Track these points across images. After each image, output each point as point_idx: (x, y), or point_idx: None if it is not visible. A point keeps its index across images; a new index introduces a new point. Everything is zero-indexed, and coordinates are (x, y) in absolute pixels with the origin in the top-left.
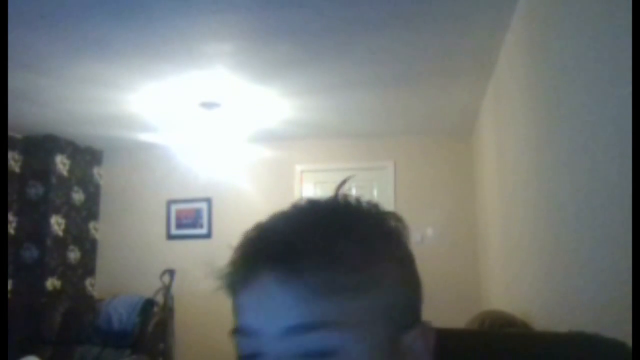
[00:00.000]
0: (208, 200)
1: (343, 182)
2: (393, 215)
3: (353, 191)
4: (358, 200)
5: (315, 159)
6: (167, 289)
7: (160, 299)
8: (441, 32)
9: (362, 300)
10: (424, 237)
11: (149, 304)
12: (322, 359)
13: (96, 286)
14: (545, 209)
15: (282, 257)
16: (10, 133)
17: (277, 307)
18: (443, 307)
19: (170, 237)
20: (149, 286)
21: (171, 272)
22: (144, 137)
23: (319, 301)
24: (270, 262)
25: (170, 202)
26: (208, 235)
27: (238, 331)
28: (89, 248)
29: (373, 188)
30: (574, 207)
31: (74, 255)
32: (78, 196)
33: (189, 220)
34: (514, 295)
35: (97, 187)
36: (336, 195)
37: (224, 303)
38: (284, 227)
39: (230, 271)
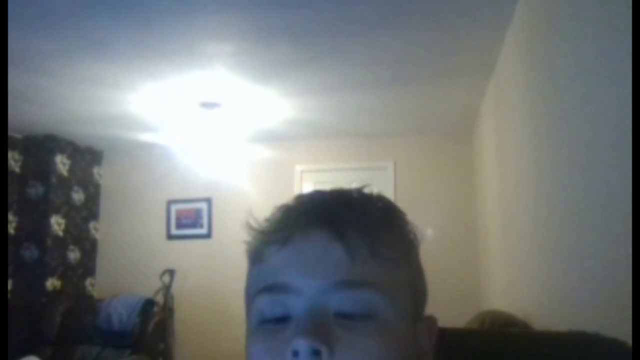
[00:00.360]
0: (208, 200)
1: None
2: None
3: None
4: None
5: (315, 159)
6: (167, 289)
7: (160, 299)
8: (441, 32)
9: (399, 273)
10: (424, 236)
11: (149, 304)
12: (362, 320)
13: (96, 286)
14: (545, 209)
15: (338, 218)
16: (10, 133)
17: (324, 265)
18: (443, 307)
19: (170, 237)
20: (149, 286)
21: (171, 272)
22: (144, 137)
23: (367, 262)
24: (325, 222)
25: (170, 202)
26: (208, 235)
27: (269, 289)
28: (89, 248)
29: (373, 188)
30: (574, 206)
31: (74, 255)
32: (78, 196)
33: (189, 220)
34: (514, 295)
35: (97, 187)
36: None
37: (224, 303)
38: (330, 197)
39: (270, 228)
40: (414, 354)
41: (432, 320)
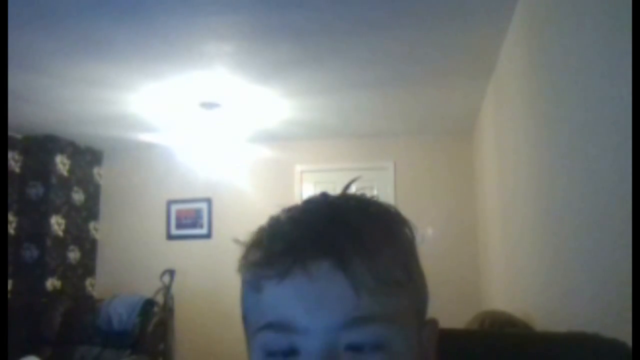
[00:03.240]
0: (208, 201)
1: (350, 183)
2: (405, 217)
3: (353, 191)
4: (377, 200)
5: (315, 159)
6: (167, 289)
7: (160, 299)
8: (441, 32)
9: (402, 295)
10: (424, 237)
11: (149, 304)
12: (373, 353)
13: (96, 286)
14: (545, 209)
15: (339, 248)
16: (10, 133)
17: (329, 302)
18: (443, 307)
19: (170, 237)
20: (149, 286)
21: (171, 272)
22: (144, 137)
23: (373, 293)
24: (323, 250)
25: (170, 202)
26: (208, 236)
27: (272, 327)
28: (89, 248)
29: (373, 188)
30: (574, 206)
31: (74, 255)
32: (78, 196)
33: (189, 221)
34: (514, 295)
35: (97, 187)
36: (350, 193)
37: (224, 303)
38: (328, 219)
39: (265, 262)
40: None
41: (434, 324)
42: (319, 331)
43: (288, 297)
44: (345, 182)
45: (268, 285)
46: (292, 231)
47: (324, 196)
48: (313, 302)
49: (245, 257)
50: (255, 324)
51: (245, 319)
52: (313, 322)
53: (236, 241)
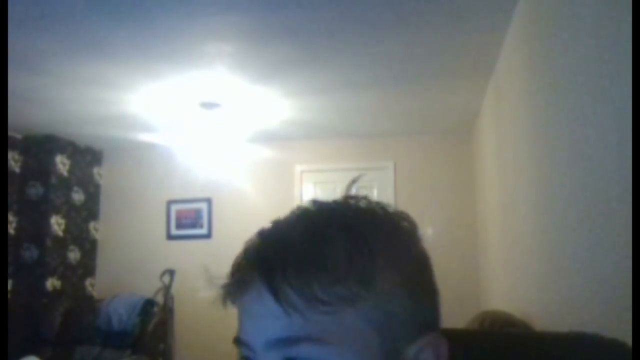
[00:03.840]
0: (208, 201)
1: (352, 182)
2: (403, 216)
3: (353, 191)
4: (365, 201)
5: (315, 159)
6: (167, 289)
7: (160, 299)
8: (441, 32)
9: (351, 311)
10: (424, 236)
11: (149, 304)
12: None
13: (96, 286)
14: (545, 209)
15: (268, 268)
16: (10, 133)
17: (262, 319)
18: (443, 307)
19: (170, 237)
20: (149, 286)
21: (171, 272)
22: (144, 137)
23: (303, 313)
24: (258, 274)
25: (170, 202)
26: (208, 236)
27: (237, 343)
28: (89, 248)
29: (373, 188)
30: (574, 206)
31: (74, 255)
32: (78, 196)
33: (189, 221)
34: (514, 295)
35: (97, 187)
36: (345, 196)
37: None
38: (277, 236)
39: (227, 282)
40: None
41: (435, 335)
42: (258, 347)
43: (241, 314)
44: (346, 181)
45: (232, 299)
46: (250, 250)
47: (301, 209)
48: (253, 321)
49: (213, 280)
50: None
51: None
52: (252, 339)
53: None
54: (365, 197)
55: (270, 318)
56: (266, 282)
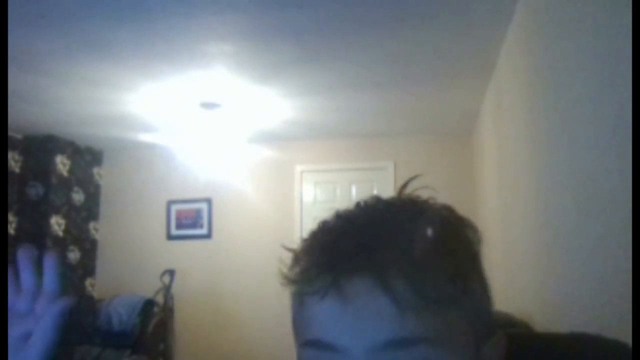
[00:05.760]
0: (208, 201)
1: (407, 182)
2: (468, 222)
3: (353, 191)
4: (435, 203)
5: (315, 160)
6: (167, 289)
7: (160, 299)
8: (441, 33)
9: (454, 312)
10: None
11: (149, 304)
12: None
13: (96, 286)
14: (545, 209)
15: (380, 263)
16: (10, 133)
17: (370, 321)
18: None
19: (171, 237)
20: (149, 286)
21: (171, 273)
22: (144, 137)
23: (418, 312)
24: (363, 265)
25: (170, 203)
26: (208, 236)
27: (314, 345)
28: (89, 248)
29: (373, 188)
30: (574, 206)
31: (74, 255)
32: (78, 196)
33: (189, 221)
34: (514, 295)
35: (97, 187)
36: (405, 196)
37: (224, 303)
38: (367, 229)
39: (302, 279)
40: None
41: (499, 339)
42: (360, 351)
43: (329, 316)
44: (346, 182)
45: (309, 301)
46: (331, 244)
47: (376, 201)
48: (354, 321)
49: (290, 269)
50: (299, 337)
51: (294, 328)
52: (353, 342)
53: (285, 248)
54: (431, 200)
55: (381, 317)
56: (379, 276)
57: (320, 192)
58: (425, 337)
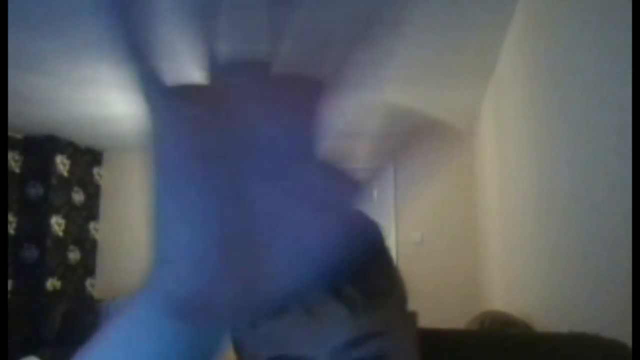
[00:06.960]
0: None
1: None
2: (370, 220)
3: None
4: None
5: None
6: None
7: None
8: (441, 32)
9: (393, 301)
10: (424, 237)
11: None
12: None
13: (96, 286)
14: (546, 209)
15: (322, 276)
16: (10, 133)
17: (329, 325)
18: (443, 307)
19: None
20: None
21: None
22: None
23: (366, 311)
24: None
25: None
26: None
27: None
28: (89, 248)
29: (372, 189)
30: (574, 207)
31: (74, 255)
32: (78, 196)
33: None
34: (514, 295)
35: (97, 187)
36: None
37: None
38: None
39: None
40: None
41: (414, 317)
42: (325, 356)
43: (289, 331)
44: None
45: (263, 319)
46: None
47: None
48: (313, 330)
49: None
50: (254, 357)
51: (238, 348)
52: (318, 350)
53: None
54: None
55: (337, 323)
56: (331, 288)
57: None
58: (377, 331)
